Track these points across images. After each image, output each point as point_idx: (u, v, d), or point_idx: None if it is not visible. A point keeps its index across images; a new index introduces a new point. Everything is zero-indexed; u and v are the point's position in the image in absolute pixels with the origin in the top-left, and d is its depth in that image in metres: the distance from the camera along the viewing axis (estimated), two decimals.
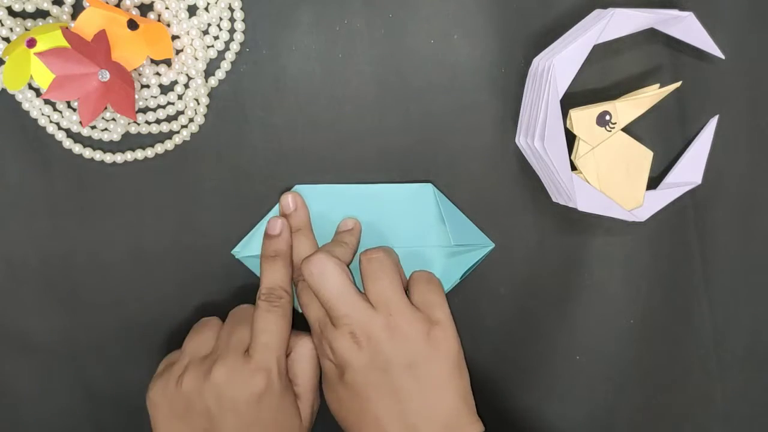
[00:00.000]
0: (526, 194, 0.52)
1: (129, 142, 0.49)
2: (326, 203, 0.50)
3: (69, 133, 0.49)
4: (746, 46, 0.51)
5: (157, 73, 0.48)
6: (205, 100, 0.49)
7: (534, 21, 0.50)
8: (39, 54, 0.43)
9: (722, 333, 0.54)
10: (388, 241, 0.50)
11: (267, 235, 0.49)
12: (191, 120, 0.49)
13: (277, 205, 0.50)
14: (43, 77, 0.44)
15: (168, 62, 0.48)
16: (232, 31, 0.49)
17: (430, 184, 0.51)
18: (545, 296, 0.53)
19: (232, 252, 0.50)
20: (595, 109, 0.47)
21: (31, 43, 0.44)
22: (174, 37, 0.48)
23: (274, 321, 0.46)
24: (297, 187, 0.50)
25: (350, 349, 0.45)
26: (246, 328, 0.46)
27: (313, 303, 0.47)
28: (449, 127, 0.51)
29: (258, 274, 0.50)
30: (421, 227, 0.51)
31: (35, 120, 0.48)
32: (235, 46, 0.49)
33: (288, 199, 0.50)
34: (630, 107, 0.48)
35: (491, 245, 0.51)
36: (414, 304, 0.47)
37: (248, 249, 0.50)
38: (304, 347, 0.48)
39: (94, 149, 0.49)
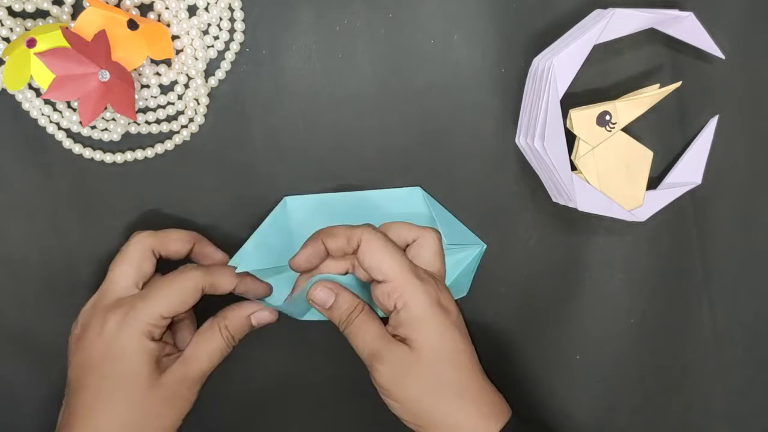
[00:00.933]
0: (526, 194, 0.52)
1: (129, 142, 0.49)
2: (317, 213, 0.50)
3: (69, 133, 0.49)
4: (746, 46, 0.51)
5: (157, 73, 0.48)
6: (205, 100, 0.49)
7: (534, 21, 0.50)
8: (39, 54, 0.43)
9: (723, 333, 0.54)
10: None
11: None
12: (191, 120, 0.49)
13: (273, 211, 0.50)
14: (43, 77, 0.44)
15: (168, 62, 0.48)
16: (232, 31, 0.49)
17: (418, 188, 0.51)
18: (545, 296, 0.53)
19: (227, 264, 0.50)
20: (595, 109, 0.47)
21: (31, 43, 0.44)
22: (174, 37, 0.48)
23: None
24: (287, 199, 0.50)
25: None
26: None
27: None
28: (449, 127, 0.51)
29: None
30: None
31: (35, 120, 0.48)
32: (235, 46, 0.49)
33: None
34: (630, 107, 0.48)
35: (483, 245, 0.51)
36: None
37: (246, 263, 0.49)
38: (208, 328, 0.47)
39: (94, 149, 0.49)
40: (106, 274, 0.46)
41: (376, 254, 0.44)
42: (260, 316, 0.48)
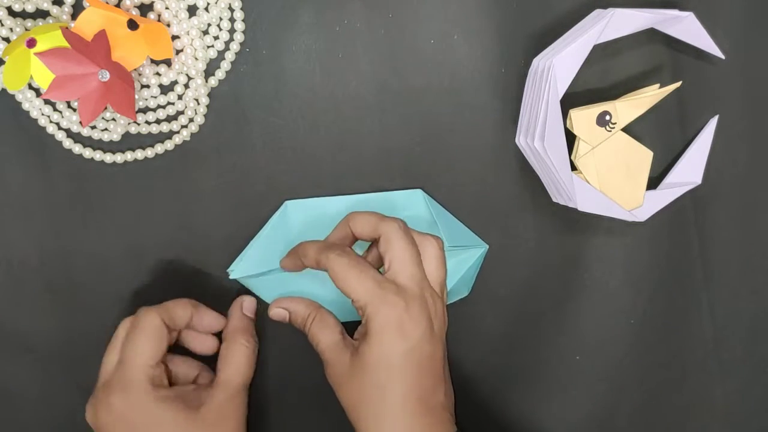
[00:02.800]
0: (526, 194, 0.52)
1: (129, 142, 0.49)
2: (318, 216, 0.50)
3: (69, 133, 0.49)
4: (746, 46, 0.51)
5: (157, 73, 0.48)
6: (205, 100, 0.49)
7: (534, 21, 0.50)
8: (39, 54, 0.43)
9: (722, 333, 0.54)
10: None
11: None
12: (191, 120, 0.49)
13: (274, 216, 0.50)
14: (43, 77, 0.44)
15: (168, 62, 0.48)
16: (232, 31, 0.49)
17: (419, 190, 0.50)
18: (545, 296, 0.53)
19: (227, 271, 0.50)
20: (595, 109, 0.47)
21: (31, 43, 0.44)
22: (174, 37, 0.48)
23: None
24: (288, 203, 0.50)
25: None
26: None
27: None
28: (449, 127, 0.51)
29: (258, 295, 0.51)
30: None
31: (35, 120, 0.48)
32: (235, 46, 0.49)
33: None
34: (630, 107, 0.48)
35: (485, 246, 0.51)
36: None
37: (244, 269, 0.50)
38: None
39: (94, 149, 0.49)
40: (109, 357, 0.47)
41: (341, 279, 0.45)
42: (247, 305, 0.50)
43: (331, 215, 0.50)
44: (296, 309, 0.49)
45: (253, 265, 0.50)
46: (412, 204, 0.50)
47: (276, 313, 0.49)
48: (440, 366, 0.45)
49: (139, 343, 0.45)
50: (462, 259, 0.51)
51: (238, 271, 0.50)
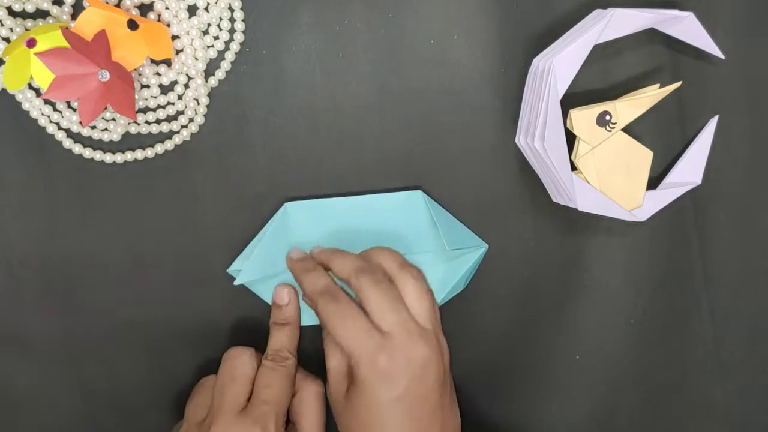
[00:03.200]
0: (526, 194, 0.52)
1: (129, 142, 0.49)
2: (317, 218, 0.50)
3: (69, 133, 0.49)
4: (746, 46, 0.51)
5: (157, 73, 0.48)
6: (205, 100, 0.49)
7: (534, 21, 0.50)
8: (39, 54, 0.43)
9: (722, 333, 0.54)
10: None
11: (275, 305, 0.50)
12: (191, 120, 0.49)
13: (274, 217, 0.50)
14: (43, 77, 0.44)
15: (168, 62, 0.48)
16: (232, 31, 0.49)
17: (419, 191, 0.50)
18: (545, 296, 0.53)
19: (227, 271, 0.50)
20: (595, 109, 0.47)
21: (31, 43, 0.44)
22: (174, 37, 0.48)
23: (277, 378, 0.47)
24: (287, 205, 0.50)
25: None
26: (241, 384, 0.47)
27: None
28: (449, 127, 0.51)
29: (263, 298, 0.51)
30: (414, 235, 0.51)
31: (35, 120, 0.48)
32: (235, 46, 0.49)
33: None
34: (630, 107, 0.48)
35: (485, 246, 0.51)
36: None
37: (248, 274, 0.50)
38: (309, 388, 0.48)
39: (94, 149, 0.49)
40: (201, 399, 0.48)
41: (329, 327, 0.46)
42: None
43: (331, 216, 0.50)
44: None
45: (256, 269, 0.50)
46: (412, 205, 0.50)
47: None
48: (435, 403, 0.45)
49: (286, 388, 0.47)
50: (462, 260, 0.51)
51: (242, 276, 0.50)
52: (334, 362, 0.47)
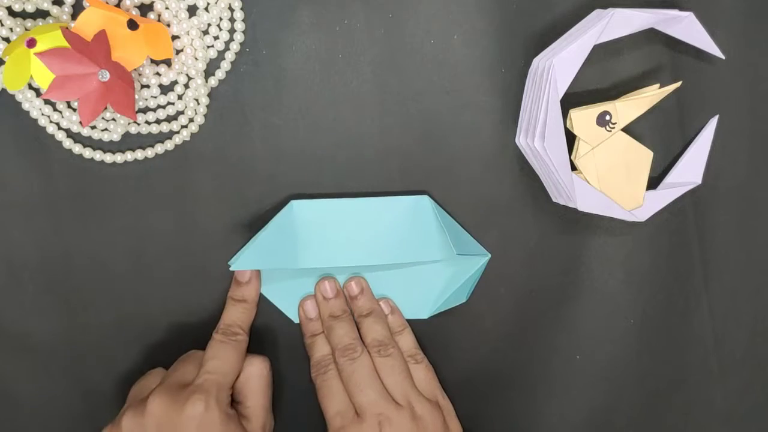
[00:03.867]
0: (526, 194, 0.52)
1: (129, 142, 0.49)
2: (323, 218, 0.50)
3: (69, 133, 0.49)
4: (746, 46, 0.51)
5: (157, 73, 0.48)
6: (205, 100, 0.49)
7: (534, 21, 0.50)
8: (39, 54, 0.43)
9: (722, 333, 0.54)
10: (385, 254, 0.50)
11: (236, 281, 0.51)
12: (191, 120, 0.49)
13: (279, 214, 0.50)
14: (43, 77, 0.44)
15: (168, 62, 0.48)
16: (232, 31, 0.49)
17: (426, 196, 0.50)
18: (545, 296, 0.53)
19: (228, 263, 0.50)
20: (595, 109, 0.47)
21: (31, 43, 0.44)
22: (174, 37, 0.48)
23: (224, 351, 0.48)
24: (293, 202, 0.50)
25: None
26: (193, 366, 0.47)
27: (337, 395, 0.48)
28: (449, 127, 0.51)
29: (264, 294, 0.51)
30: (419, 239, 0.50)
31: (35, 120, 0.48)
32: (235, 46, 0.49)
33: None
34: (630, 107, 0.48)
35: (488, 255, 0.51)
36: (420, 392, 0.49)
37: (246, 263, 0.50)
38: (254, 366, 0.49)
39: (94, 149, 0.49)
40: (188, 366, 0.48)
41: (318, 396, 0.49)
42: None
43: (336, 216, 0.50)
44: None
45: (254, 260, 0.49)
46: (419, 210, 0.50)
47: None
48: None
49: (233, 362, 0.48)
50: (464, 267, 0.51)
51: (239, 263, 0.50)
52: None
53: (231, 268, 0.50)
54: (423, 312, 0.52)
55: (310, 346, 0.51)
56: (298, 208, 0.50)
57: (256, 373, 0.49)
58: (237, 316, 0.50)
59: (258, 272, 0.51)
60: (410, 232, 0.50)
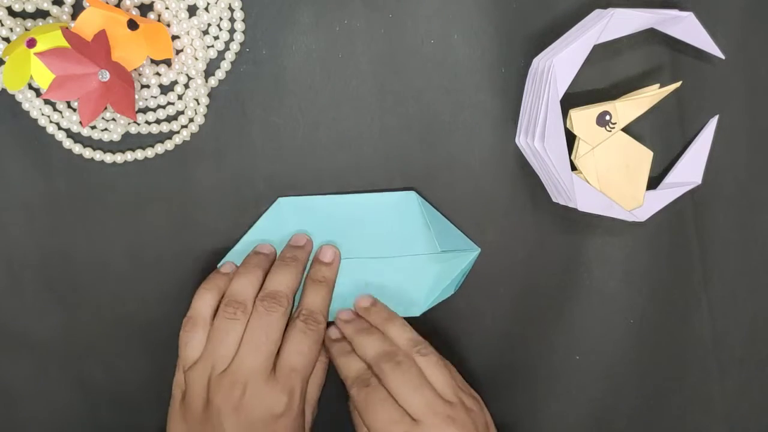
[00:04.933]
0: (526, 194, 0.52)
1: (129, 142, 0.49)
2: (310, 215, 0.50)
3: (69, 133, 0.49)
4: (746, 46, 0.51)
5: (157, 73, 0.48)
6: (205, 100, 0.49)
7: (534, 21, 0.50)
8: (39, 54, 0.43)
9: (722, 333, 0.54)
10: (374, 251, 0.50)
11: (317, 260, 0.50)
12: (191, 120, 0.49)
13: (266, 212, 0.50)
14: (43, 77, 0.44)
15: (168, 62, 0.48)
16: (232, 31, 0.49)
17: (413, 192, 0.50)
18: (545, 296, 0.53)
19: (218, 266, 0.50)
20: (595, 109, 0.47)
21: (31, 43, 0.44)
22: (174, 37, 0.48)
23: (308, 345, 0.47)
24: (281, 200, 0.50)
25: None
26: (273, 344, 0.46)
27: (387, 405, 0.46)
28: (449, 126, 0.51)
29: None
30: (406, 235, 0.51)
31: (35, 120, 0.48)
32: (235, 46, 0.49)
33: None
34: (630, 107, 0.48)
35: (477, 250, 0.51)
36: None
37: (232, 259, 0.50)
38: (320, 362, 0.49)
39: (94, 149, 0.49)
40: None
41: (360, 410, 0.46)
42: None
43: (324, 213, 0.50)
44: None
45: (242, 258, 0.50)
46: (406, 205, 0.50)
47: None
48: None
49: (315, 355, 0.47)
50: (453, 263, 0.51)
51: (228, 261, 0.50)
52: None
53: (219, 266, 0.50)
54: (415, 310, 0.52)
55: (345, 364, 0.48)
56: (285, 205, 0.50)
57: (321, 367, 0.49)
58: (319, 301, 0.48)
59: (339, 253, 0.50)
60: (397, 228, 0.50)
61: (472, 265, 0.52)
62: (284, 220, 0.50)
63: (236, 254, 0.50)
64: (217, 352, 0.46)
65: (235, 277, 0.48)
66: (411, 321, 0.52)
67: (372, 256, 0.50)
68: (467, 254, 0.51)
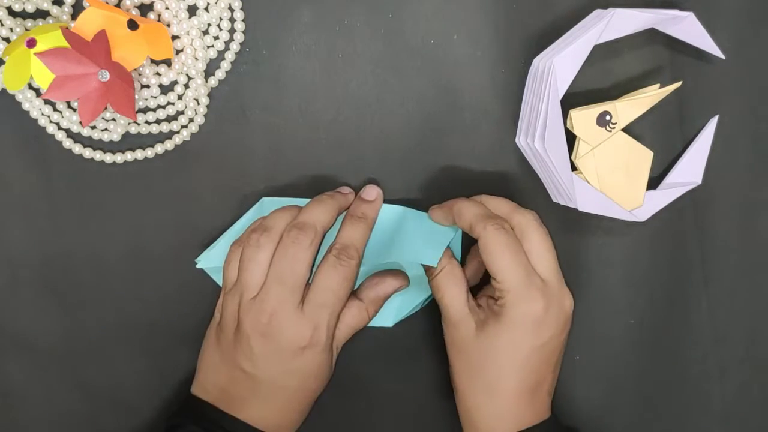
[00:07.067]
0: (526, 194, 0.52)
1: (129, 142, 0.49)
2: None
3: (69, 133, 0.49)
4: (746, 46, 0.51)
5: (157, 73, 0.48)
6: (205, 100, 0.49)
7: (534, 21, 0.50)
8: (39, 54, 0.43)
9: (722, 333, 0.54)
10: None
11: (360, 198, 0.49)
12: (191, 120, 0.49)
13: (245, 214, 0.50)
14: (43, 77, 0.44)
15: (168, 62, 0.48)
16: (232, 31, 0.49)
17: (399, 206, 0.50)
18: None
19: (195, 260, 0.50)
20: (595, 109, 0.47)
21: (31, 43, 0.44)
22: (174, 37, 0.48)
23: (338, 281, 0.45)
24: (264, 199, 0.50)
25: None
26: (294, 260, 0.45)
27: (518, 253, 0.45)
28: (449, 127, 0.51)
29: (220, 284, 0.50)
30: (384, 238, 0.49)
31: (35, 120, 0.48)
32: (235, 46, 0.49)
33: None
34: (630, 107, 0.48)
35: (458, 229, 0.50)
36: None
37: (212, 260, 0.49)
38: (353, 306, 0.48)
39: (94, 149, 0.49)
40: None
41: (491, 253, 0.45)
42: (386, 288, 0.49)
43: None
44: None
45: (221, 256, 0.49)
46: (387, 215, 0.50)
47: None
48: (559, 357, 0.47)
49: (346, 292, 0.46)
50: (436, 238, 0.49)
51: (205, 261, 0.50)
52: (453, 295, 0.46)
53: (198, 266, 0.50)
54: (409, 306, 0.51)
55: (466, 207, 0.47)
56: (269, 205, 0.50)
57: (355, 311, 0.48)
58: (356, 235, 0.46)
59: (382, 194, 0.49)
60: (381, 233, 0.49)
61: (460, 241, 0.51)
62: None
63: (217, 254, 0.49)
64: (243, 279, 0.46)
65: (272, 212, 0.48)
66: (411, 321, 0.52)
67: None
68: (450, 232, 0.50)
